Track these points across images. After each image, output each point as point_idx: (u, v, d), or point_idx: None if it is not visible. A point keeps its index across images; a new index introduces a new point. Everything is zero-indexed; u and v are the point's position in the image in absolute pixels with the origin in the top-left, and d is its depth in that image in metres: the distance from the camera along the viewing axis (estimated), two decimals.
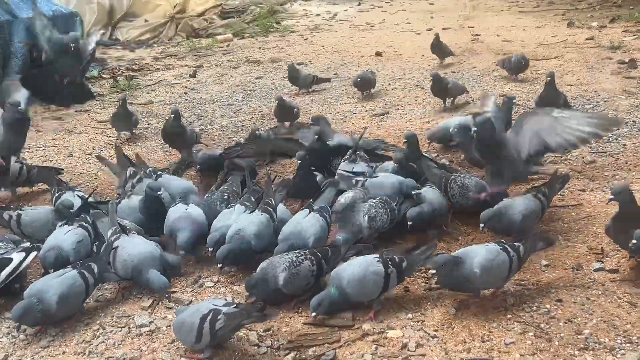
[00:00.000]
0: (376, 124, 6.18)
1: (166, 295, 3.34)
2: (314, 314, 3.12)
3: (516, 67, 7.23)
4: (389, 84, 7.61)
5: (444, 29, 10.70)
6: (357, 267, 3.20)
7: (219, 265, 3.53)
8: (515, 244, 3.30)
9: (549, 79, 5.53)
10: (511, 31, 10.15)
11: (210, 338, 2.86)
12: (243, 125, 6.41)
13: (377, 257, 3.26)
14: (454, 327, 3.07)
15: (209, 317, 2.85)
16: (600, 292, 3.28)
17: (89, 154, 5.76)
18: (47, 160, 5.66)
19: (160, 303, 3.37)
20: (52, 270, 3.40)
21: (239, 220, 3.71)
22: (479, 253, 3.20)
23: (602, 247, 3.68)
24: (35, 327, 3.19)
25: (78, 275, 3.24)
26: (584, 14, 11.39)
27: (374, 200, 3.84)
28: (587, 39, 9.08)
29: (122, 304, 3.39)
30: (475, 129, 3.88)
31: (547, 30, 10.18)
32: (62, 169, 5.16)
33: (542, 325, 3.04)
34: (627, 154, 5.00)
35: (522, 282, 3.40)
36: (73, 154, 5.79)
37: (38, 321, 3.16)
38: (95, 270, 3.32)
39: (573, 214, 4.11)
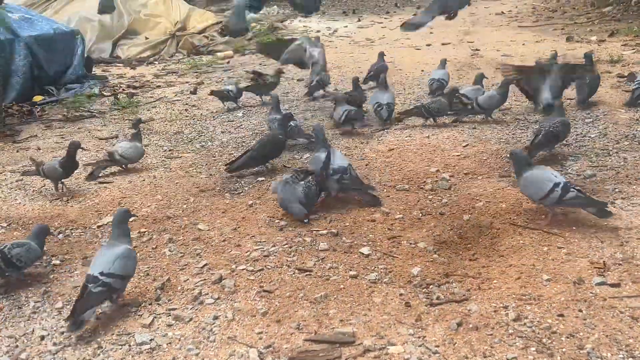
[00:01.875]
0: (376, 140, 6.19)
1: None
2: None
3: None
4: None
5: (443, 44, 10.76)
6: None
7: None
8: None
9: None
10: (510, 46, 10.19)
11: None
12: (243, 142, 6.43)
13: None
14: (456, 343, 3.05)
15: None
16: (602, 307, 3.26)
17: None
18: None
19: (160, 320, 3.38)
20: None
21: None
22: None
23: (603, 261, 3.66)
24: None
25: None
26: (583, 28, 11.44)
27: None
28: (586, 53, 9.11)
29: (122, 322, 3.38)
30: None
31: (547, 44, 10.22)
32: None
33: (544, 340, 3.02)
34: (627, 167, 5.00)
35: (524, 297, 3.38)
36: None
37: None
38: None
39: (574, 227, 4.09)
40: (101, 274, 3.38)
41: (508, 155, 4.83)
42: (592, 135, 5.79)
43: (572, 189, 4.05)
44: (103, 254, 3.51)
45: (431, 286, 3.59)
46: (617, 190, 4.60)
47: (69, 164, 5.23)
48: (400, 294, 3.51)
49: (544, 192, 4.08)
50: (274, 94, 6.87)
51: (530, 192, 4.24)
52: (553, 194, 4.05)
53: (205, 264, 3.93)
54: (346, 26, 13.94)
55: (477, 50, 10.22)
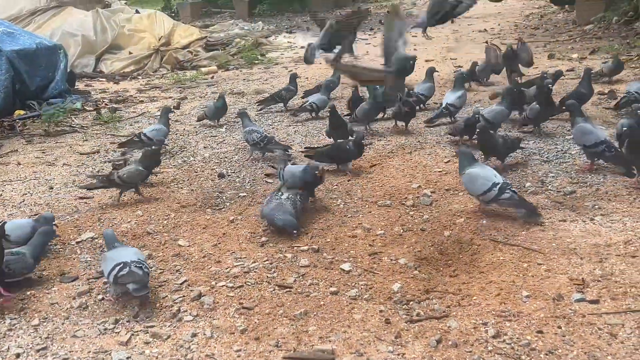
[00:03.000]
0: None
1: None
2: None
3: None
4: None
5: (426, 60, 10.80)
6: None
7: None
8: None
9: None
10: None
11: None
12: (226, 157, 6.41)
13: None
14: None
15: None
16: (581, 323, 3.26)
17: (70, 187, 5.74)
18: (27, 193, 5.61)
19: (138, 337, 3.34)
20: None
21: None
22: None
23: (583, 278, 3.67)
24: None
25: None
26: (564, 46, 11.55)
27: None
28: (567, 70, 9.18)
29: (99, 339, 3.34)
30: None
31: None
32: None
33: (523, 357, 3.02)
34: (607, 184, 5.02)
35: (503, 313, 3.38)
36: (53, 187, 5.74)
37: None
38: None
39: (554, 244, 4.11)
40: (138, 260, 3.67)
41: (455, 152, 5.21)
42: (573, 152, 5.82)
43: (507, 190, 4.43)
44: (123, 250, 3.86)
45: (411, 302, 3.58)
46: (596, 207, 4.62)
47: (151, 166, 5.42)
48: (381, 311, 3.50)
49: (482, 190, 4.51)
50: (242, 109, 7.23)
51: (470, 188, 4.68)
52: (490, 192, 4.46)
53: (185, 281, 3.90)
54: None
55: (460, 67, 10.28)
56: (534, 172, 5.41)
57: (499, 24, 14.78)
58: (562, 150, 5.92)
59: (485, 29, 14.08)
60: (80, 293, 3.82)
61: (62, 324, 3.52)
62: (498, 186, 4.43)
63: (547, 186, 5.09)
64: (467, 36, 13.55)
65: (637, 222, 4.32)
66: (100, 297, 3.77)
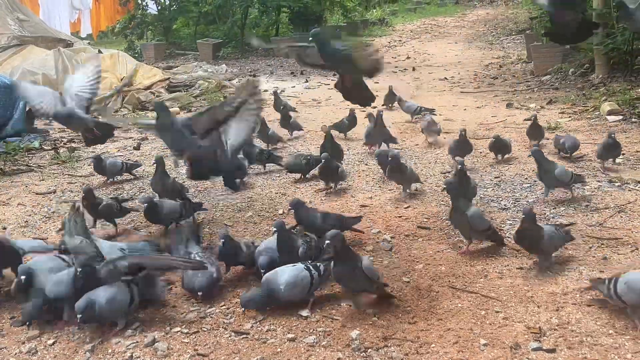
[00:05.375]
0: (319, 199, 6.19)
1: None
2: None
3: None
4: None
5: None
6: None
7: None
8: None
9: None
10: (452, 111, 10.42)
11: None
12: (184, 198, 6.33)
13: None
14: None
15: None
16: None
17: (24, 227, 5.61)
18: None
19: None
20: None
21: None
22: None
23: (539, 326, 3.69)
24: None
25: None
26: (522, 95, 11.78)
27: None
28: (525, 119, 9.36)
29: None
30: None
31: (487, 110, 10.48)
32: None
33: None
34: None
35: None
36: (6, 227, 5.61)
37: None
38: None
39: (511, 292, 4.13)
40: None
41: None
42: (530, 200, 5.90)
43: None
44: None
45: (369, 350, 3.55)
46: (553, 255, 4.67)
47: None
48: (338, 358, 3.46)
49: None
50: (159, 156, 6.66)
51: None
52: None
53: (139, 326, 3.81)
54: (294, 86, 14.07)
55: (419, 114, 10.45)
56: (492, 219, 5.45)
57: (459, 73, 15.05)
58: (519, 198, 5.99)
59: (445, 78, 14.32)
60: (30, 338, 3.71)
61: None
62: None
63: (505, 233, 5.14)
64: (428, 84, 13.76)
65: (592, 271, 4.38)
66: (50, 342, 3.66)
